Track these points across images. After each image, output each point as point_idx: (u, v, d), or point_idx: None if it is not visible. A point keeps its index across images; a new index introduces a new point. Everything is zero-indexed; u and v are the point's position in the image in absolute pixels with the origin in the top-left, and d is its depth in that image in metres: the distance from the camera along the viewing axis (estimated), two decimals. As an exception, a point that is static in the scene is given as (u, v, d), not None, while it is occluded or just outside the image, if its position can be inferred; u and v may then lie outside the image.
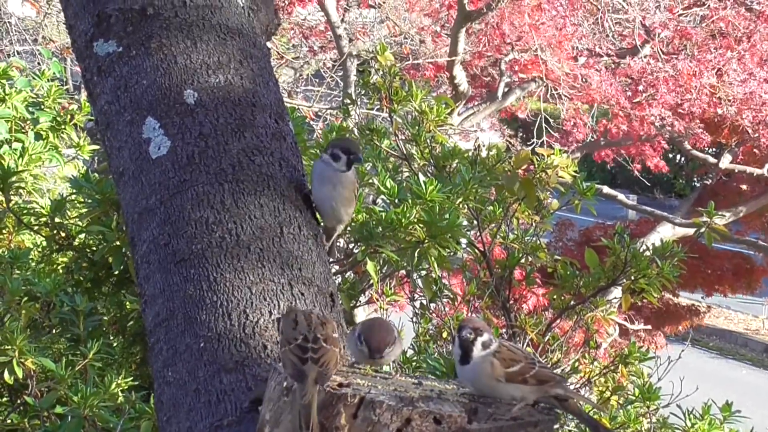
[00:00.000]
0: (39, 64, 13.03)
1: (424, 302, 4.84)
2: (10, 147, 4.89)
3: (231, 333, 2.70)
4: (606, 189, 15.05)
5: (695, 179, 22.62)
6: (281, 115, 3.12)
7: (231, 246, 2.81)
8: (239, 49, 3.12)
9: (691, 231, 13.71)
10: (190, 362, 2.71)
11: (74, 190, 4.15)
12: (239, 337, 2.70)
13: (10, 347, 3.60)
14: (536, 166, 4.44)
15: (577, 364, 4.65)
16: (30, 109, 5.07)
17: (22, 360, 3.60)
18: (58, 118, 5.05)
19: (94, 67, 3.11)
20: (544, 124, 14.14)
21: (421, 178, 4.16)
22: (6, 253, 4.20)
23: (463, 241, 4.36)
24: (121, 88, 3.04)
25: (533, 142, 14.45)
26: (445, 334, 4.72)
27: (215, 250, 2.81)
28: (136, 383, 3.72)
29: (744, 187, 16.50)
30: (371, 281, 4.33)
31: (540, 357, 4.08)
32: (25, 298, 3.87)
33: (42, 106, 5.12)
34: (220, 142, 2.95)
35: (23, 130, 5.03)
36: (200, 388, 2.67)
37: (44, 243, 4.42)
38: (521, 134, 17.61)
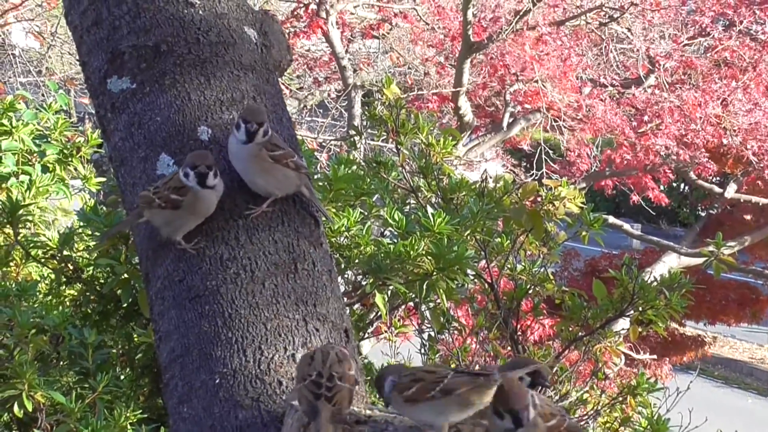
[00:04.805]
0: (43, 95, 13.08)
1: (432, 334, 4.83)
2: (18, 180, 4.90)
3: (246, 369, 2.70)
4: (611, 219, 15.00)
5: (700, 208, 22.59)
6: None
7: (246, 282, 2.81)
8: (252, 86, 3.12)
9: (696, 261, 13.72)
10: (205, 399, 2.70)
11: (83, 223, 4.15)
12: (254, 374, 2.69)
13: (19, 380, 3.58)
14: (543, 197, 4.45)
15: (585, 395, 4.63)
16: (37, 141, 5.07)
17: (32, 393, 3.58)
18: (65, 151, 5.05)
19: (107, 104, 3.11)
20: (544, 156, 14.11)
21: (429, 210, 4.17)
22: (14, 285, 4.20)
23: (471, 272, 4.35)
24: (135, 125, 3.03)
25: (533, 173, 14.43)
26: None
27: (230, 286, 2.80)
28: (145, 416, 3.71)
29: (748, 216, 16.49)
30: (379, 313, 4.32)
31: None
32: (33, 331, 3.85)
33: (49, 139, 5.12)
34: (234, 178, 2.95)
35: (30, 163, 5.02)
36: (216, 425, 2.66)
37: (52, 275, 4.42)
38: (525, 164, 17.54)
